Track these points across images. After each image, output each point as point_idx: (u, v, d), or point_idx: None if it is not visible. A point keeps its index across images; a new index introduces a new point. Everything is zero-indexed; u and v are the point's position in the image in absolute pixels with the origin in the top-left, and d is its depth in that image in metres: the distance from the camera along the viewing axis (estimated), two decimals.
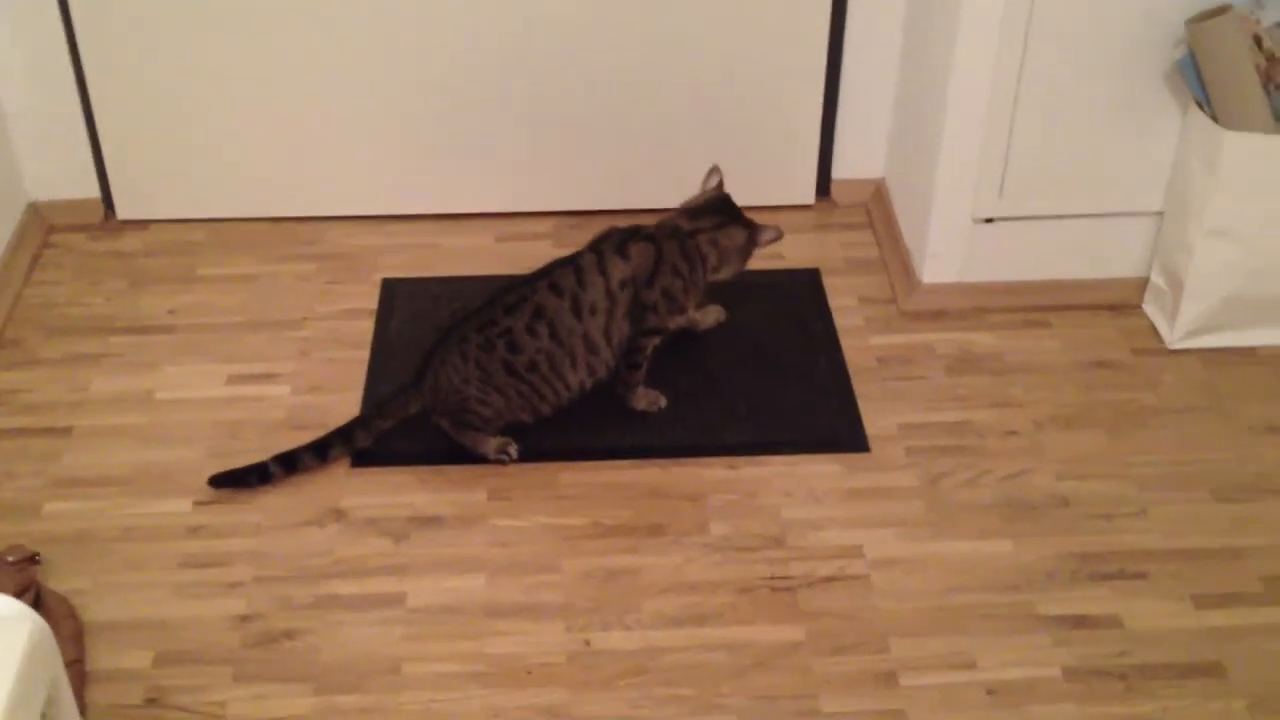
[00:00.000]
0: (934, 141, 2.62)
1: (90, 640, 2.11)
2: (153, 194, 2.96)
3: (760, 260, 2.61)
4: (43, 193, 2.94)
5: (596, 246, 2.40)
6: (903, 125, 2.89)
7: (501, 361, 2.34)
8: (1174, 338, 2.66)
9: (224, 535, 2.29)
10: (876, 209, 3.01)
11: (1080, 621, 2.15)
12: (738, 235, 2.48)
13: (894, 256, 2.87)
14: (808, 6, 2.80)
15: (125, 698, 2.04)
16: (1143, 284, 2.75)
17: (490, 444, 2.40)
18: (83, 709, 1.99)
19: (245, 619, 2.16)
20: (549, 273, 2.38)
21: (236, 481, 2.33)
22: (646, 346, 2.44)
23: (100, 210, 2.97)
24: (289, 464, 2.35)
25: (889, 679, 2.07)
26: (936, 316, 2.73)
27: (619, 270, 2.37)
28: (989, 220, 2.68)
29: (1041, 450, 2.45)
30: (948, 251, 2.71)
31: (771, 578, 2.22)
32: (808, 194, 3.05)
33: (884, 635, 2.13)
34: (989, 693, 2.05)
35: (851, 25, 2.84)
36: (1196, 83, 2.43)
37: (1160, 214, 2.67)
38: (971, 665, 2.09)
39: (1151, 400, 2.56)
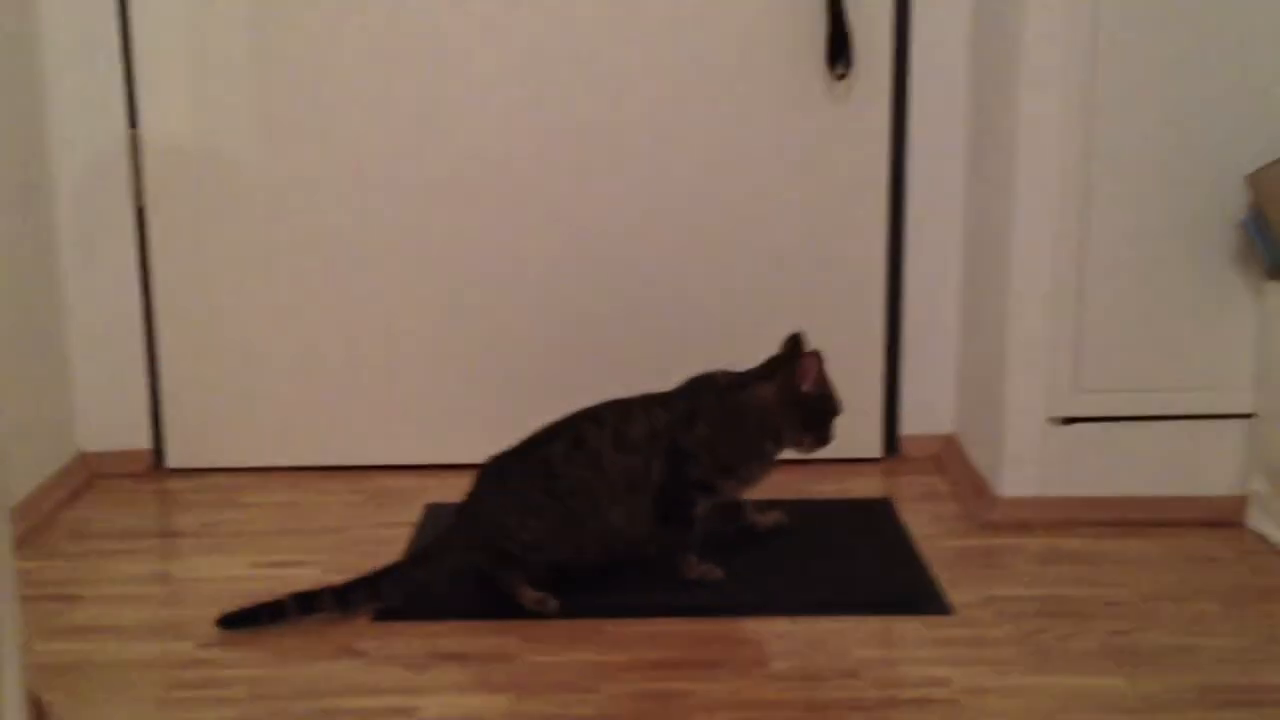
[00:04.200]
0: (1000, 336, 2.54)
1: None
2: (203, 445, 2.91)
3: (825, 492, 2.60)
4: (93, 444, 2.90)
5: (644, 396, 2.30)
6: (969, 358, 2.82)
7: (541, 484, 2.17)
8: None
9: (225, 667, 2.05)
10: (948, 458, 2.87)
11: None
12: (764, 391, 2.26)
13: (968, 485, 2.70)
14: (864, 268, 2.85)
15: None
16: (1242, 502, 2.53)
17: (528, 594, 2.18)
18: None
19: None
20: (592, 409, 2.26)
21: (248, 620, 2.12)
22: (695, 502, 2.25)
23: (149, 460, 2.91)
24: (306, 604, 2.13)
25: None
26: (1018, 528, 2.52)
27: (660, 416, 2.25)
28: (1067, 421, 2.53)
29: (1152, 616, 2.18)
30: (1026, 457, 2.55)
31: (844, 699, 1.91)
32: (873, 448, 2.92)
33: None
34: None
35: (909, 283, 2.87)
36: (1264, 239, 2.37)
37: (1250, 416, 2.51)
38: None
39: (1272, 584, 2.29)
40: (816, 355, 2.25)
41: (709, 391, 2.29)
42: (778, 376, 2.28)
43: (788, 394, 2.26)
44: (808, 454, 2.30)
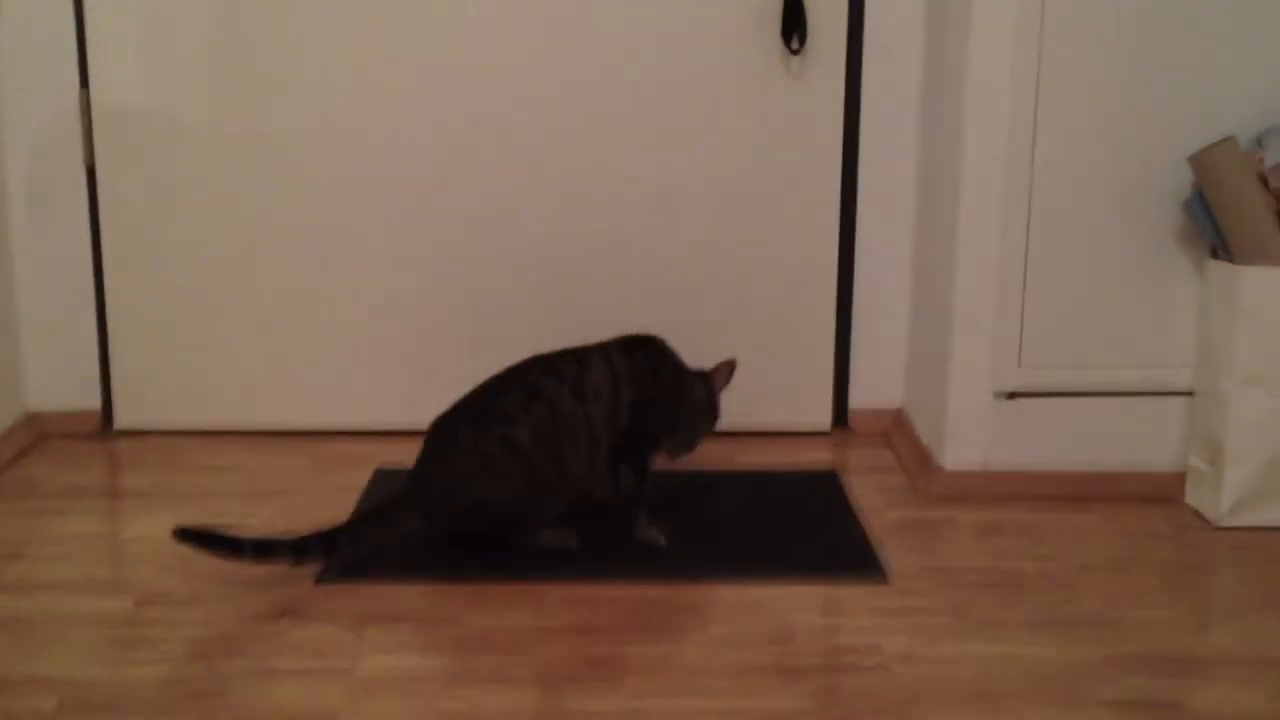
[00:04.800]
0: (945, 310, 2.56)
1: None
2: (152, 406, 2.90)
3: (774, 464, 2.65)
4: (42, 403, 2.89)
5: (597, 344, 2.31)
6: (917, 333, 2.84)
7: (498, 439, 2.17)
8: (1221, 512, 2.44)
9: (163, 625, 2.05)
10: (896, 432, 2.89)
11: (1139, 704, 1.84)
12: (701, 391, 2.40)
13: (913, 458, 2.72)
14: (816, 243, 2.86)
15: None
16: (1181, 479, 2.56)
17: (546, 534, 2.25)
18: None
19: (170, 680, 1.89)
20: (542, 359, 2.27)
21: (203, 541, 2.10)
22: (648, 453, 2.27)
23: (97, 420, 2.90)
24: (262, 550, 2.12)
25: None
26: (960, 500, 2.55)
27: (621, 363, 2.27)
28: (1011, 396, 2.56)
29: (1086, 587, 2.21)
30: (969, 432, 2.57)
31: (777, 664, 1.94)
32: (823, 421, 2.94)
33: (907, 707, 1.83)
34: None
35: (861, 259, 2.89)
36: (1207, 220, 2.40)
37: (1190, 394, 2.54)
38: None
39: (1204, 558, 2.33)
40: (732, 365, 2.41)
41: (664, 357, 2.35)
42: (713, 380, 2.40)
43: (713, 395, 2.39)
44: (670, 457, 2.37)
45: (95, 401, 2.91)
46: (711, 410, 2.39)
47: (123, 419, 2.91)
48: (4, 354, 2.80)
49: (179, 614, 2.07)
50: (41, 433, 2.87)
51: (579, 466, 2.20)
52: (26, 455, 2.77)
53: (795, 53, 2.74)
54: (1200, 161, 2.38)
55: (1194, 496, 2.52)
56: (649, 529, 2.29)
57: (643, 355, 2.29)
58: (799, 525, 2.43)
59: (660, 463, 2.35)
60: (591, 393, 2.21)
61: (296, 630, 2.03)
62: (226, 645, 1.97)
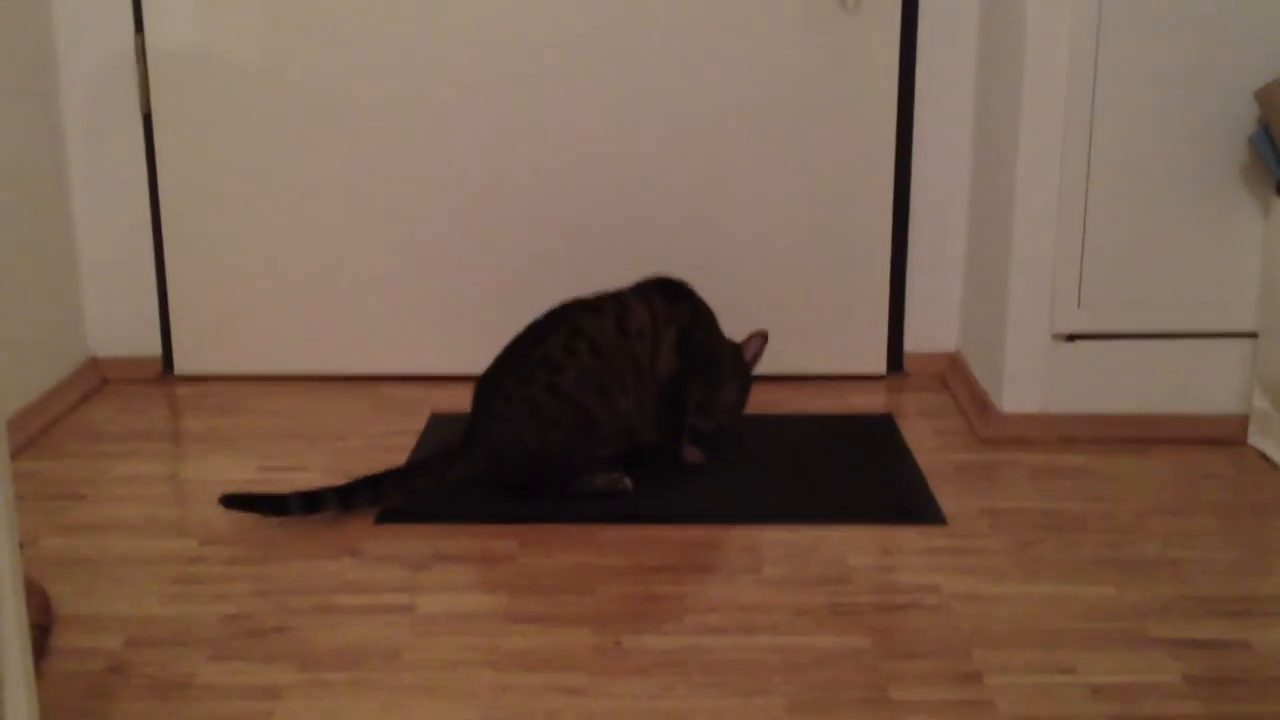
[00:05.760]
0: (1004, 252, 2.53)
1: (62, 629, 1.88)
2: (211, 352, 2.92)
3: (829, 408, 2.67)
4: (104, 349, 2.92)
5: (631, 287, 2.34)
6: (974, 275, 2.81)
7: (545, 382, 2.18)
8: None
9: (227, 563, 2.08)
10: (952, 375, 2.87)
11: (1201, 643, 1.83)
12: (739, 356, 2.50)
13: (970, 401, 2.70)
14: (872, 184, 2.83)
15: (86, 667, 1.78)
16: (1244, 421, 2.53)
17: (599, 479, 2.25)
18: (38, 675, 1.73)
19: (234, 617, 1.92)
20: (581, 300, 2.27)
21: (250, 505, 2.14)
22: (690, 390, 2.29)
23: (158, 367, 2.93)
24: (310, 502, 2.15)
25: (972, 677, 1.75)
26: (1018, 444, 2.53)
27: (659, 304, 2.28)
28: (1070, 338, 2.53)
29: (1145, 528, 2.19)
30: (1027, 373, 2.55)
31: (834, 604, 1.94)
32: (878, 365, 2.92)
33: (966, 646, 1.82)
34: (1094, 691, 1.71)
35: (916, 200, 2.86)
36: (1273, 156, 2.35)
37: (1254, 335, 2.50)
38: (1071, 670, 1.77)
39: (1268, 500, 2.30)
40: (764, 336, 2.44)
41: (694, 298, 2.36)
42: (743, 349, 2.44)
43: (742, 363, 2.45)
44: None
45: (156, 347, 2.94)
46: (744, 377, 2.39)
47: (183, 364, 2.94)
48: (66, 300, 2.84)
49: (242, 553, 2.10)
50: (103, 378, 2.90)
51: (628, 405, 2.21)
52: (88, 400, 2.80)
53: None
54: (1267, 95, 2.34)
55: (1258, 439, 2.49)
56: (690, 450, 2.32)
57: (676, 295, 2.31)
58: (855, 468, 2.42)
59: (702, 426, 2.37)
60: (635, 330, 2.21)
61: (357, 569, 2.05)
62: (289, 583, 2.00)
